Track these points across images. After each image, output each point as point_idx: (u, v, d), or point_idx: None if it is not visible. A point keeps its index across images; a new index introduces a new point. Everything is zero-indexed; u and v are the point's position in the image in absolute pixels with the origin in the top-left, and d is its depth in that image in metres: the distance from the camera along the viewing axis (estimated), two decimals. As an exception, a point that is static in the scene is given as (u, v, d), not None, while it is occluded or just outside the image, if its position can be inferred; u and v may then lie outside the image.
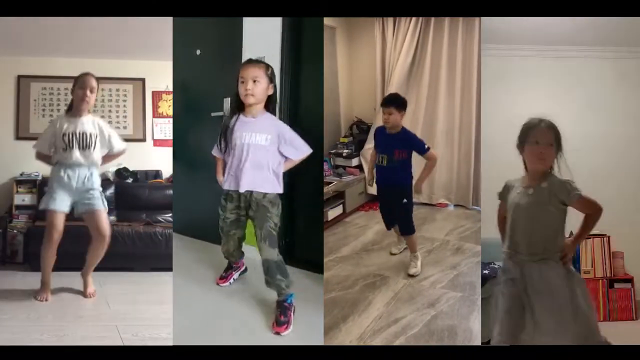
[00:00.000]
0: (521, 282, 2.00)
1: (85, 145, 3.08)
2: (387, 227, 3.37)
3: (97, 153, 3.14)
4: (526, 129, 2.02)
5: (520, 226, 2.02)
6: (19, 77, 4.76)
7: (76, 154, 3.05)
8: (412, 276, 3.08)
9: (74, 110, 3.13)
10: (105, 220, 3.14)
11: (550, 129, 1.99)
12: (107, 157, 3.26)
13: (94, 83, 3.09)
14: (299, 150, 2.52)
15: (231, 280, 2.87)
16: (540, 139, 1.97)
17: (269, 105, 2.52)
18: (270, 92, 2.48)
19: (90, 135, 3.09)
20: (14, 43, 4.29)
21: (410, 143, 3.10)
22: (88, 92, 3.06)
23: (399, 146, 3.08)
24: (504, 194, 2.15)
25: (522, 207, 2.01)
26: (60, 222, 3.05)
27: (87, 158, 3.09)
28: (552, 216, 1.98)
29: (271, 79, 2.47)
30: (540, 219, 1.99)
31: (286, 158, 2.52)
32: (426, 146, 3.09)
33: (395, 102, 3.07)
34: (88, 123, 3.12)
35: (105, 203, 3.19)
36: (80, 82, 3.08)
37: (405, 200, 3.13)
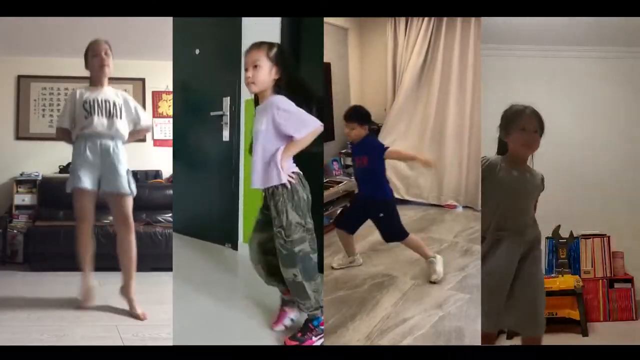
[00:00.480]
0: (512, 265, 2.02)
1: (107, 112, 2.79)
2: (336, 224, 3.24)
3: (122, 124, 2.83)
4: (512, 115, 2.06)
5: (524, 208, 2.06)
6: (19, 77, 4.76)
7: (97, 120, 2.76)
8: (433, 283, 2.96)
9: (93, 80, 2.90)
10: (128, 207, 2.80)
11: (535, 115, 2.03)
12: (133, 134, 2.94)
13: (107, 46, 2.86)
14: (300, 124, 2.08)
15: (283, 324, 2.36)
16: (527, 126, 2.01)
17: (279, 90, 2.15)
18: (276, 76, 2.14)
19: (114, 104, 2.81)
20: (14, 43, 4.29)
21: (366, 148, 2.96)
22: (104, 56, 2.83)
23: (357, 152, 3.01)
24: (487, 172, 2.06)
25: (523, 188, 2.05)
26: (89, 202, 2.80)
27: (110, 127, 2.78)
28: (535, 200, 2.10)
29: (277, 61, 2.13)
30: (532, 201, 2.09)
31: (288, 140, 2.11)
32: (385, 146, 2.97)
33: (358, 117, 2.96)
34: (111, 92, 2.87)
35: (133, 186, 2.81)
36: (92, 50, 2.84)
37: (381, 215, 3.02)
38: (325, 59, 4.62)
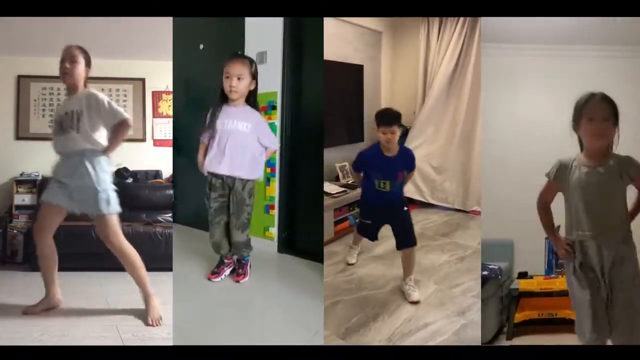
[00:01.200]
0: (598, 267, 1.88)
1: (67, 127, 2.53)
2: (372, 239, 3.11)
3: (85, 134, 2.52)
4: (579, 106, 1.91)
5: (596, 206, 1.89)
6: (19, 77, 4.76)
7: (57, 140, 2.61)
8: (415, 303, 2.75)
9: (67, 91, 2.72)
10: (108, 226, 2.59)
11: (604, 101, 1.88)
12: (113, 138, 2.58)
13: (74, 52, 2.62)
14: (273, 142, 2.91)
15: (223, 276, 2.98)
16: (594, 115, 1.87)
17: (250, 98, 2.76)
18: (252, 87, 2.72)
19: (73, 114, 2.51)
20: (14, 43, 4.29)
21: (409, 164, 2.92)
22: (67, 65, 2.59)
23: (402, 168, 2.87)
24: (560, 174, 1.96)
25: (595, 185, 1.88)
26: (46, 214, 2.63)
27: (71, 143, 2.54)
28: (623, 194, 1.91)
29: (254, 75, 2.70)
30: (616, 197, 1.90)
31: (265, 148, 2.84)
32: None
33: (398, 119, 2.74)
34: (75, 99, 2.59)
35: (111, 204, 2.56)
36: (60, 58, 2.65)
37: (405, 208, 2.94)
38: (358, 62, 4.80)
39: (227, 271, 3.02)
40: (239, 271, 2.99)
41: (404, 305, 2.75)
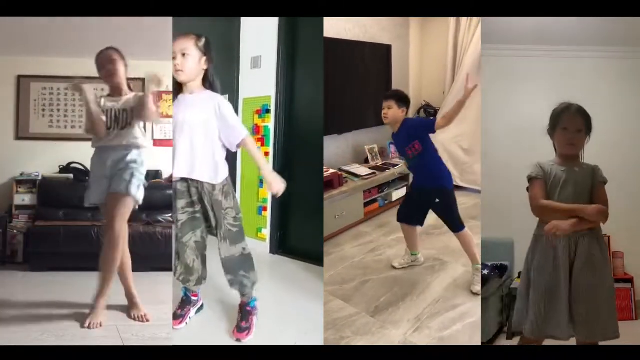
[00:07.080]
0: (566, 258, 1.96)
1: (122, 123, 2.75)
2: (398, 218, 3.13)
3: (133, 130, 2.73)
4: (556, 114, 2.07)
5: (576, 201, 1.99)
6: (19, 77, 4.75)
7: (109, 133, 2.70)
8: (475, 294, 2.73)
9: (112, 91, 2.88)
10: (117, 208, 2.53)
11: (579, 114, 2.04)
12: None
13: (113, 55, 2.84)
14: (233, 140, 2.19)
15: (187, 320, 2.40)
16: (569, 125, 2.03)
17: (207, 80, 2.22)
18: (205, 66, 2.18)
19: (127, 112, 2.78)
20: (14, 43, 4.29)
21: (415, 131, 2.86)
22: (109, 67, 2.85)
23: (406, 141, 2.87)
24: (543, 172, 2.07)
25: (573, 182, 2.02)
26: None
27: (121, 139, 2.70)
28: (591, 194, 2.02)
29: (205, 51, 2.16)
30: (588, 195, 2.02)
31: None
32: (432, 119, 2.87)
33: (396, 96, 2.90)
34: (126, 99, 2.87)
35: (135, 188, 2.57)
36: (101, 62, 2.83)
37: (437, 200, 2.88)
38: (386, 41, 4.74)
39: (193, 312, 2.44)
40: (241, 325, 2.26)
41: (433, 286, 2.80)
